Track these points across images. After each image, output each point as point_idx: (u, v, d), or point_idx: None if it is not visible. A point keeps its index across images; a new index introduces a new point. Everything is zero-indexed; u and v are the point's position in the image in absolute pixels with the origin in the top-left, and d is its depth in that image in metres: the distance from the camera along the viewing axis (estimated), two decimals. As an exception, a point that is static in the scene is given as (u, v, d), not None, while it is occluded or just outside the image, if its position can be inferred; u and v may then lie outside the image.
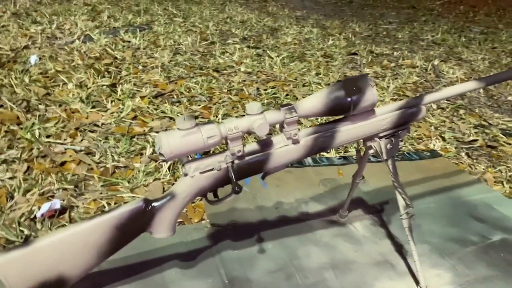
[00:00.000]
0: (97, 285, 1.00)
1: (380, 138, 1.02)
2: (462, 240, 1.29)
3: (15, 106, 1.83)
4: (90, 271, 0.90)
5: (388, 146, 1.02)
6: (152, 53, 2.78)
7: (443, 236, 1.31)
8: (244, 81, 2.47)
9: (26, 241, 0.82)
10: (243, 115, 0.90)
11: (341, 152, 1.75)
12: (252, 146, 0.93)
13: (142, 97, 2.08)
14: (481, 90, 2.74)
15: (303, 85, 2.48)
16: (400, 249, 1.23)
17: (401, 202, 1.05)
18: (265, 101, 2.21)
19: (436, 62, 3.22)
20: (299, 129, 0.93)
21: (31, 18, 3.29)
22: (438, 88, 2.74)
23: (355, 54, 3.25)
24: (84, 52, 2.66)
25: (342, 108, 0.92)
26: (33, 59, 2.42)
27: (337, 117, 1.00)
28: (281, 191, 1.46)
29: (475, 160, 1.84)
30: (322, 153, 1.72)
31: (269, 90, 2.34)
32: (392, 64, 3.10)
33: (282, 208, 1.37)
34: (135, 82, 2.27)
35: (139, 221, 0.90)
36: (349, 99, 0.91)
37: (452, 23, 4.96)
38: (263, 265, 1.13)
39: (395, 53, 3.40)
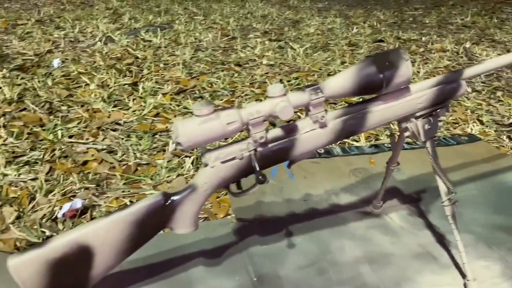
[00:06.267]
0: (118, 286, 0.95)
1: (416, 118, 0.93)
2: (510, 228, 1.18)
3: (38, 109, 1.82)
4: (109, 272, 0.85)
5: (426, 126, 0.93)
6: (173, 51, 2.75)
7: (489, 225, 1.20)
8: (267, 73, 2.40)
9: (42, 241, 0.77)
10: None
11: (372, 140, 1.66)
12: (275, 132, 0.87)
13: (164, 94, 2.04)
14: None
15: (328, 74, 2.39)
16: (441, 239, 1.13)
17: (442, 187, 0.96)
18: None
19: (467, 45, 3.06)
20: (326, 112, 0.86)
21: (55, 24, 3.33)
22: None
23: (381, 41, 3.13)
24: (106, 53, 2.65)
25: (374, 86, 0.84)
26: (56, 62, 2.42)
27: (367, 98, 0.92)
28: (309, 183, 1.38)
29: (518, 144, 1.71)
30: (351, 142, 1.64)
31: (293, 81, 2.27)
32: (421, 49, 2.96)
33: (311, 200, 1.30)
34: (157, 80, 2.23)
35: (159, 217, 0.85)
36: (381, 75, 0.82)
37: (482, 5, 4.74)
38: (293, 260, 1.06)
39: (423, 38, 3.25)
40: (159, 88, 2.14)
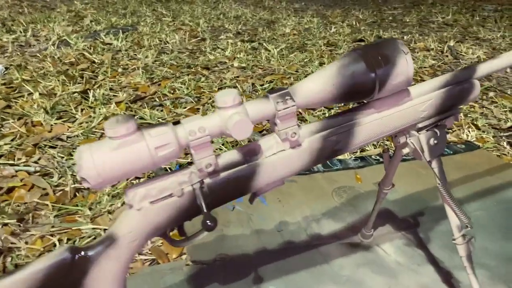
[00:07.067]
0: None
1: (418, 130, 0.71)
2: (529, 259, 0.97)
3: (-37, 124, 1.54)
4: None
5: (432, 141, 0.71)
6: (135, 54, 2.49)
7: (503, 256, 0.98)
8: (238, 77, 2.16)
9: None
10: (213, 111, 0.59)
11: (356, 152, 1.43)
12: (229, 155, 0.62)
13: (118, 103, 1.77)
14: (508, 69, 2.40)
15: (306, 77, 2.16)
16: (448, 278, 0.91)
17: (453, 220, 0.73)
18: (262, 97, 1.89)
19: (451, 43, 2.89)
20: (299, 126, 0.62)
21: (6, 28, 3.02)
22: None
23: (361, 40, 2.93)
24: (58, 58, 2.37)
25: (363, 89, 0.61)
26: (-2, 69, 2.13)
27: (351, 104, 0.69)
28: (285, 208, 1.14)
29: (520, 151, 1.51)
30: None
31: (266, 85, 2.03)
32: (404, 49, 2.77)
33: (287, 230, 1.06)
34: (112, 86, 1.97)
35: (64, 282, 0.59)
36: (372, 74, 0.59)
37: (462, 3, 4.62)
38: (264, 317, 0.82)
39: (405, 37, 3.07)
40: (113, 95, 1.87)
